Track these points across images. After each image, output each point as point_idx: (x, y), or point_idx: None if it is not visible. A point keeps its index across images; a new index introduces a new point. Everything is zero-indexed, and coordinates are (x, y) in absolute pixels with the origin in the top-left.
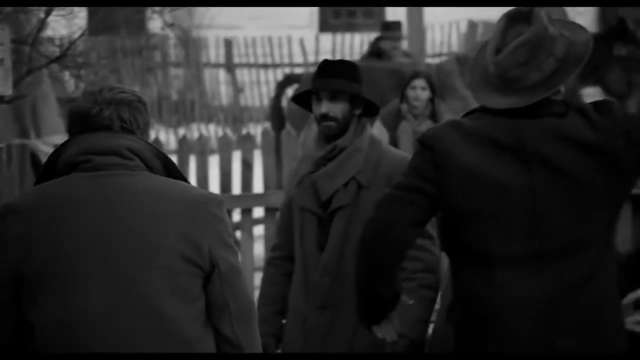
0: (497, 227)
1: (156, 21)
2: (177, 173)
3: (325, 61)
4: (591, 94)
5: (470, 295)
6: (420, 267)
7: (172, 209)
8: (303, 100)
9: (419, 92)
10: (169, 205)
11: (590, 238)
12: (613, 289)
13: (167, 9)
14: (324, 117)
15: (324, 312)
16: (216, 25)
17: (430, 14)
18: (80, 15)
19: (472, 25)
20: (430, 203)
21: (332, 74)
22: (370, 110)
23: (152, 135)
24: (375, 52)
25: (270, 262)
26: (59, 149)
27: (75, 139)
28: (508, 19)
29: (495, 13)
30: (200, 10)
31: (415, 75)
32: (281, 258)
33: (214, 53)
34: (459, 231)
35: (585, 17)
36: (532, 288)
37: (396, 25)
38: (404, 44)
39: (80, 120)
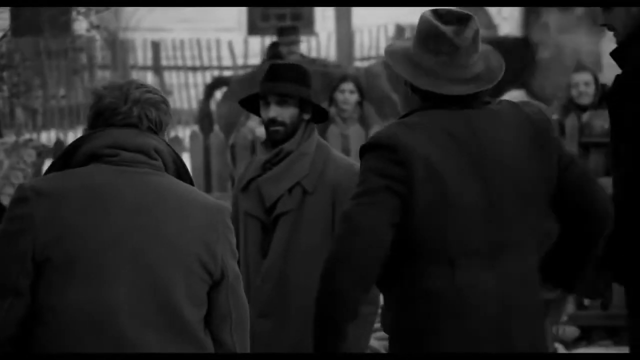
0: (456, 221)
1: (82, 22)
2: (187, 177)
3: (274, 64)
4: (515, 97)
5: (430, 294)
6: None
7: (195, 215)
8: (249, 103)
9: (348, 95)
10: (192, 211)
11: (531, 231)
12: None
13: (93, 10)
14: (272, 122)
15: (266, 319)
16: (143, 28)
17: (359, 17)
18: (3, 16)
19: (399, 29)
20: (400, 202)
21: (281, 78)
22: (319, 115)
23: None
24: (274, 56)
25: None
26: (83, 138)
27: (102, 132)
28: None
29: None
30: (127, 12)
31: (344, 78)
32: None
33: (142, 55)
34: (419, 228)
35: (510, 23)
36: (489, 285)
37: (291, 29)
38: (333, 49)
39: (108, 115)
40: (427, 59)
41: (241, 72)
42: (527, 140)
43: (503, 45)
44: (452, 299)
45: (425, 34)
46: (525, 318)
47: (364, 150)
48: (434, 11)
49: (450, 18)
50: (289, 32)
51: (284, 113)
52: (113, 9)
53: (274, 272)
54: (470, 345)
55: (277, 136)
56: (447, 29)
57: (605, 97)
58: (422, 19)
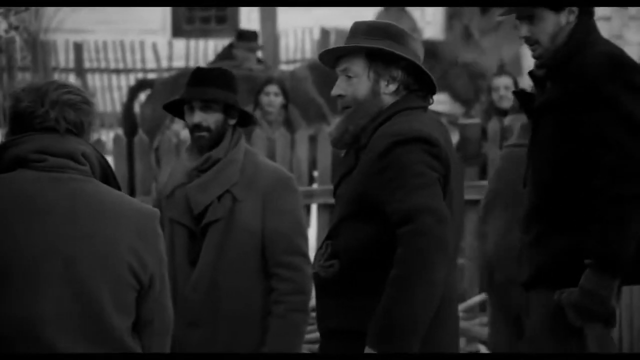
0: (455, 219)
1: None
2: (114, 182)
3: (198, 69)
4: (440, 100)
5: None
6: (290, 288)
7: (125, 222)
8: (173, 108)
9: (273, 98)
10: (122, 218)
11: None
12: None
13: (12, 10)
14: (197, 127)
15: (195, 328)
16: (65, 29)
17: (284, 20)
18: None
19: (324, 33)
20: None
21: (205, 82)
22: (246, 120)
23: None
24: (227, 56)
25: None
26: (6, 143)
27: (28, 137)
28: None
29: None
30: (48, 13)
31: (269, 81)
32: None
33: (64, 57)
34: None
35: (433, 26)
36: (455, 281)
37: (251, 35)
38: (258, 52)
39: (26, 118)
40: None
41: (165, 75)
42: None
43: (426, 48)
44: (446, 293)
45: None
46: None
47: (400, 143)
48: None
49: None
50: (248, 38)
51: (209, 118)
52: (33, 9)
53: (204, 281)
54: (455, 330)
55: (202, 142)
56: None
57: (547, 107)
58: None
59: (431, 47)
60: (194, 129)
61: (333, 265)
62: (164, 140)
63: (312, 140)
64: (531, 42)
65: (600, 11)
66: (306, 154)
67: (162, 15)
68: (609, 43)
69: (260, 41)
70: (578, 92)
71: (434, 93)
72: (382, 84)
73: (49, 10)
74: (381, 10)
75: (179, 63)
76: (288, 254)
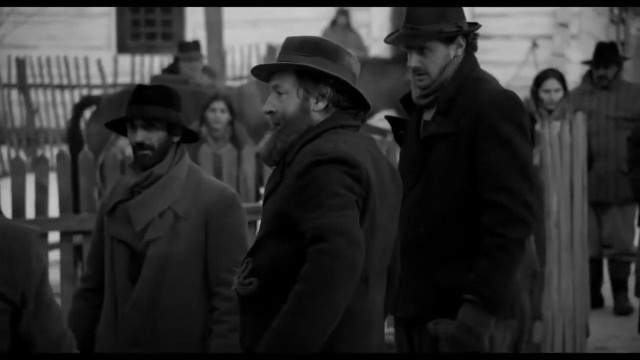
0: (376, 242)
1: None
2: None
3: (140, 86)
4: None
5: (351, 312)
6: (232, 307)
7: None
8: (118, 125)
9: (219, 114)
10: None
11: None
12: None
13: None
14: (140, 146)
15: (135, 347)
16: (7, 44)
17: (230, 37)
18: None
19: (271, 49)
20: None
21: (147, 101)
22: (190, 137)
23: None
24: (172, 69)
25: (79, 295)
26: None
27: None
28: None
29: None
30: None
31: (214, 97)
32: (90, 290)
33: (6, 73)
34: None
35: (380, 44)
36: (380, 304)
37: (192, 45)
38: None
39: None
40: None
41: (111, 91)
42: (390, 176)
43: (373, 66)
44: (363, 316)
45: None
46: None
47: (320, 163)
48: None
49: None
50: (190, 48)
51: (152, 137)
52: None
53: (143, 300)
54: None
55: (145, 160)
56: None
57: (438, 138)
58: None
59: (378, 65)
60: (137, 147)
61: (251, 282)
62: (109, 156)
63: (259, 156)
64: (420, 72)
65: (542, 30)
66: (253, 170)
67: (106, 31)
68: (495, 80)
69: (203, 51)
70: (471, 128)
71: (367, 110)
72: (312, 101)
73: None
74: (327, 28)
75: (124, 79)
76: (230, 271)
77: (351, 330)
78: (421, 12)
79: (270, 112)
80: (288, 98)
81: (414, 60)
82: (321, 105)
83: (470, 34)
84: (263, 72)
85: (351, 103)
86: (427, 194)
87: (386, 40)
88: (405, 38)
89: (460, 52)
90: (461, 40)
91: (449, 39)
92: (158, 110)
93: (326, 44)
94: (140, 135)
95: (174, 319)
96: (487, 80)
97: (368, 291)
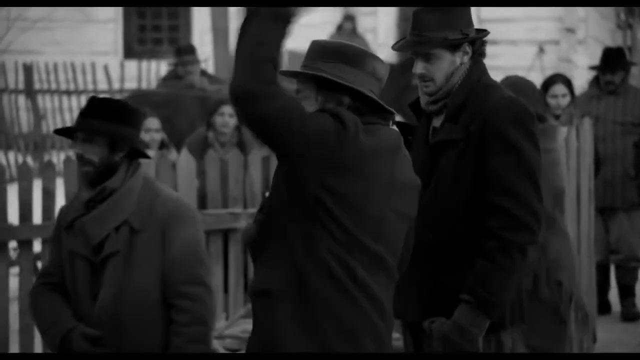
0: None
1: None
2: None
3: (91, 98)
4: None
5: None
6: (189, 319)
7: None
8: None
9: (227, 118)
10: None
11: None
12: None
13: None
14: (80, 159)
15: None
16: (14, 50)
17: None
18: None
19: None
20: None
21: (90, 114)
22: (137, 152)
23: None
24: (173, 75)
25: (38, 290)
26: None
27: None
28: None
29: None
30: None
31: (223, 102)
32: (53, 284)
33: (13, 78)
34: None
35: (386, 49)
36: (372, 310)
37: (186, 49)
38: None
39: None
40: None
41: (117, 96)
42: (412, 180)
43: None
44: (352, 320)
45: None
46: None
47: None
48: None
49: None
50: (185, 52)
51: (91, 151)
52: None
53: (105, 317)
54: None
55: (87, 176)
56: None
57: (447, 145)
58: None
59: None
60: (78, 160)
61: (251, 229)
62: None
63: (265, 161)
64: (426, 79)
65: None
66: (259, 176)
67: (113, 36)
68: (503, 87)
69: (210, 57)
70: (479, 134)
71: (391, 114)
72: (330, 107)
73: None
74: (333, 33)
75: (130, 84)
76: (187, 284)
77: (335, 331)
78: (427, 19)
79: None
80: (308, 103)
81: (419, 67)
82: None
83: (476, 41)
84: (288, 76)
85: (372, 108)
86: (436, 200)
87: (393, 48)
88: (410, 45)
89: (466, 59)
90: (467, 48)
91: (454, 46)
92: (97, 123)
93: (348, 50)
94: (79, 148)
95: (135, 334)
96: (495, 87)
97: (357, 297)
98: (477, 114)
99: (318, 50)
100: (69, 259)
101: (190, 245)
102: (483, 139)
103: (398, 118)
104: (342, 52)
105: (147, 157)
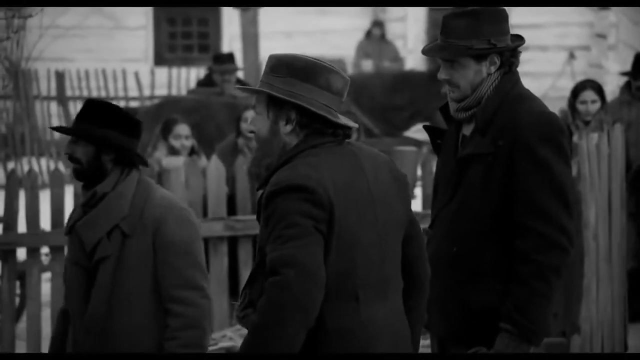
0: (360, 258)
1: None
2: None
3: (85, 101)
4: (420, 130)
5: (341, 330)
6: (182, 324)
7: None
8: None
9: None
10: None
11: (398, 268)
12: None
13: None
14: (69, 158)
15: None
16: (46, 58)
17: (266, 49)
18: None
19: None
20: (324, 241)
21: (79, 116)
22: (130, 158)
23: None
24: (206, 82)
25: (58, 316)
26: None
27: None
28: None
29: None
30: (29, 42)
31: (246, 107)
32: (67, 311)
33: (45, 86)
34: (332, 266)
35: (416, 56)
36: (385, 318)
37: (226, 57)
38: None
39: None
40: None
41: (148, 103)
42: (392, 182)
43: (409, 79)
44: (359, 334)
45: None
46: (407, 348)
47: (278, 193)
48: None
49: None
50: (225, 61)
51: (77, 150)
52: (15, 38)
53: (97, 324)
54: None
55: (75, 174)
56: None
57: (475, 158)
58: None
59: (413, 78)
60: (68, 159)
61: (248, 315)
62: (145, 168)
63: None
64: (452, 84)
65: (579, 41)
66: None
67: (144, 43)
68: (536, 98)
69: (239, 63)
70: (508, 149)
71: (346, 128)
72: (281, 123)
73: (30, 39)
74: (362, 39)
75: (161, 91)
76: (180, 288)
77: (347, 349)
78: (455, 25)
79: (251, 132)
80: (261, 119)
81: (443, 72)
82: (289, 127)
83: (505, 52)
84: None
85: (326, 124)
86: (461, 213)
87: (423, 50)
88: (435, 51)
89: (493, 69)
90: (495, 58)
91: (480, 56)
92: (80, 126)
93: (298, 63)
94: (67, 148)
95: (127, 339)
96: (528, 99)
97: (360, 307)
98: (508, 127)
99: (271, 64)
100: (68, 266)
101: (182, 248)
102: (512, 154)
103: (416, 130)
104: (293, 66)
105: (144, 164)
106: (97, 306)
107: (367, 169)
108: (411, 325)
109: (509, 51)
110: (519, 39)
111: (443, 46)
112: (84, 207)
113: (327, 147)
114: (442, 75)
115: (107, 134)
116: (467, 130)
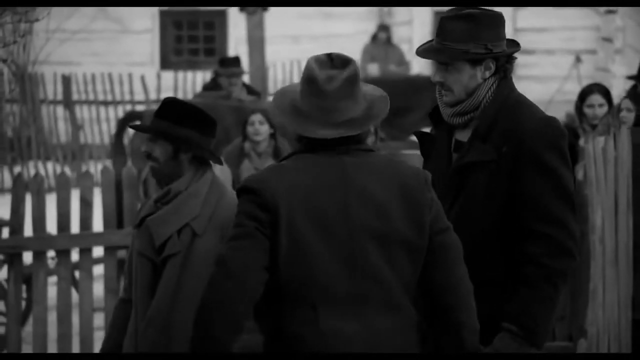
0: (316, 268)
1: None
2: None
3: (164, 100)
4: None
5: (296, 337)
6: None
7: None
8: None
9: (258, 126)
10: None
11: (399, 285)
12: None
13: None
14: (148, 157)
15: None
16: (52, 61)
17: (272, 52)
18: None
19: None
20: (269, 244)
21: (158, 114)
22: (205, 157)
23: None
24: (212, 86)
25: (117, 305)
26: None
27: None
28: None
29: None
30: (35, 46)
31: (252, 111)
32: (126, 300)
33: (52, 89)
34: (283, 271)
35: (422, 60)
36: (354, 334)
37: (232, 61)
38: (246, 79)
39: None
40: (305, 104)
41: (154, 107)
42: (397, 201)
43: (414, 83)
44: (317, 343)
45: (304, 79)
46: None
47: (238, 193)
48: (319, 56)
49: (336, 63)
50: (230, 64)
51: (155, 149)
52: (21, 42)
53: (158, 317)
54: None
55: (152, 172)
56: (321, 74)
57: (479, 165)
58: (306, 63)
59: (419, 82)
60: (146, 157)
61: None
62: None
63: None
64: (446, 87)
65: (585, 44)
66: None
67: (150, 47)
68: (533, 104)
69: (244, 67)
70: (513, 156)
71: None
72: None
73: (37, 43)
74: (367, 43)
75: (167, 95)
76: None
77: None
78: (452, 28)
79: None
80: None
81: (437, 75)
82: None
83: (500, 58)
84: None
85: None
86: (463, 220)
87: (417, 50)
88: (430, 52)
89: (488, 74)
90: (491, 64)
91: (475, 60)
92: (160, 125)
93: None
94: (145, 146)
95: (187, 335)
96: (527, 104)
97: (319, 318)
98: (511, 134)
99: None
100: (136, 259)
101: None
102: (517, 160)
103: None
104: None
105: (219, 162)
106: (161, 300)
107: (355, 184)
108: (447, 349)
109: (505, 57)
110: (515, 44)
111: (439, 49)
112: (157, 202)
113: (317, 154)
114: (435, 77)
115: (186, 134)
116: (460, 136)
